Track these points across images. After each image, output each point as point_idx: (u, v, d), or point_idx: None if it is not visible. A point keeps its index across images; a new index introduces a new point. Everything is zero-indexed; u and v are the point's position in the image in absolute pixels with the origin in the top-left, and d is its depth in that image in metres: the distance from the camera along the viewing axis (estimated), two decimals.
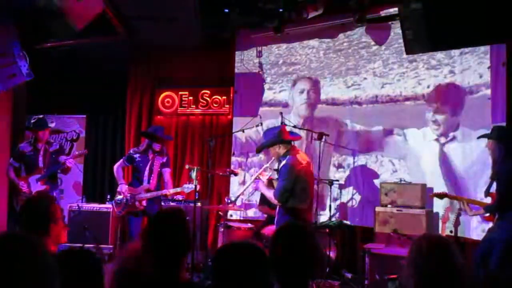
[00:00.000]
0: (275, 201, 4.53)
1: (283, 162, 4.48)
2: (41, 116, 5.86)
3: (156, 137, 5.60)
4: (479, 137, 4.81)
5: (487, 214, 4.56)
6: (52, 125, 6.31)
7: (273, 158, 4.72)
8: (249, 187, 5.19)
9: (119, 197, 5.59)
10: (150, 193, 5.53)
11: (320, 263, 2.21)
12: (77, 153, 5.76)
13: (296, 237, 2.10)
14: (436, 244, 2.07)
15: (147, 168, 5.59)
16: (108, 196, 7.20)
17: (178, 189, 5.66)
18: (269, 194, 4.59)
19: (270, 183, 4.91)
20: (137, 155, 5.65)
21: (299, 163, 4.49)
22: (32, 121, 5.79)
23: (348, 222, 6.21)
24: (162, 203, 6.23)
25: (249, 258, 1.85)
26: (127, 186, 5.61)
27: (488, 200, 4.57)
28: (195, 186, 5.38)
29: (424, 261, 2.02)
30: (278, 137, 4.56)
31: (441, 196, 4.87)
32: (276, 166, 5.04)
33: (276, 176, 5.04)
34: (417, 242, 2.11)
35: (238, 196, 5.32)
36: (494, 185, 4.50)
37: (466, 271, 2.04)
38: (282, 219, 4.49)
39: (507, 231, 4.14)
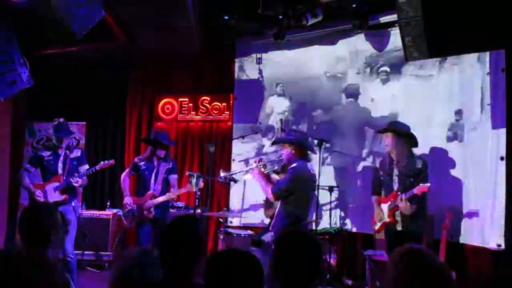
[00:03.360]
0: (269, 195, 4.52)
1: (294, 164, 4.47)
2: (61, 120, 5.36)
3: (159, 143, 5.46)
4: (378, 131, 4.86)
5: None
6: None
7: (282, 156, 4.70)
8: (244, 172, 5.22)
9: (126, 209, 5.47)
10: (156, 199, 5.41)
11: (323, 270, 2.22)
12: (102, 163, 5.41)
13: (299, 245, 2.09)
14: (407, 253, 2.06)
15: (153, 176, 5.48)
16: (108, 203, 7.19)
17: (183, 190, 5.54)
18: (266, 187, 4.56)
19: (267, 177, 4.90)
20: (142, 163, 5.53)
21: (309, 170, 4.53)
22: (55, 123, 5.31)
23: (348, 229, 6.20)
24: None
25: (240, 266, 1.85)
26: (131, 198, 5.50)
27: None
28: (195, 192, 5.35)
29: (400, 273, 2.01)
30: (300, 140, 4.58)
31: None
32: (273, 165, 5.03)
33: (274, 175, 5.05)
34: (391, 258, 2.11)
35: (231, 174, 5.34)
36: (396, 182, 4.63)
37: (446, 272, 2.03)
38: (280, 222, 4.48)
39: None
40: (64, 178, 5.20)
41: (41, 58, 6.28)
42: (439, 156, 5.59)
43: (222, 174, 5.20)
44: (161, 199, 5.41)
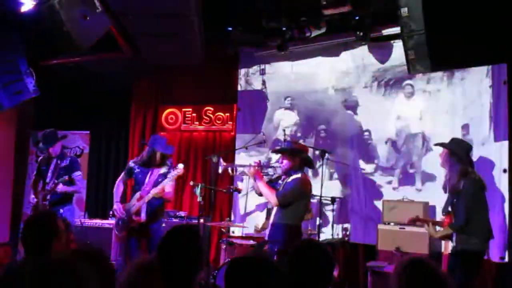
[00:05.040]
0: (272, 199, 4.41)
1: (296, 176, 4.43)
2: (51, 129, 5.53)
3: (154, 153, 5.08)
4: (435, 144, 4.79)
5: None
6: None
7: (283, 163, 4.59)
8: (245, 170, 4.77)
9: (117, 218, 5.13)
10: (142, 199, 4.94)
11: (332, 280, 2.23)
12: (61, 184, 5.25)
13: (316, 257, 2.11)
14: (410, 264, 2.09)
15: (146, 179, 5.08)
16: (111, 212, 7.20)
17: (166, 182, 4.96)
18: (267, 190, 4.43)
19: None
20: (136, 167, 5.18)
21: (310, 183, 4.53)
22: (41, 134, 5.49)
23: (350, 240, 6.20)
24: (165, 220, 6.09)
25: (262, 272, 1.84)
26: (121, 205, 5.12)
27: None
28: (199, 201, 5.29)
29: (403, 284, 2.04)
30: (303, 152, 4.57)
31: (414, 220, 4.76)
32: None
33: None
34: (395, 269, 2.14)
35: (228, 166, 4.92)
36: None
37: (448, 282, 2.05)
38: (280, 232, 4.38)
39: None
40: (47, 187, 5.27)
41: (47, 68, 6.34)
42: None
43: (224, 163, 4.86)
44: (146, 198, 4.94)
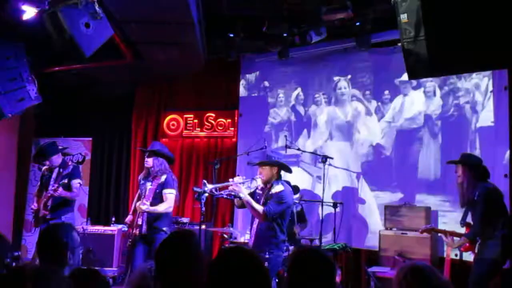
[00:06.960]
0: (259, 216, 4.36)
1: (280, 187, 4.42)
2: (47, 142, 5.61)
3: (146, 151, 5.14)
4: (448, 162, 4.91)
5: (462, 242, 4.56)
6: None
7: (262, 175, 4.56)
8: (225, 189, 4.65)
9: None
10: (139, 213, 4.92)
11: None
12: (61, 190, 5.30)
13: (317, 263, 2.11)
14: (410, 271, 2.09)
15: (146, 192, 5.03)
16: (113, 219, 7.21)
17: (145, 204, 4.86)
18: (255, 204, 4.35)
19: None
20: (141, 180, 5.21)
21: (291, 191, 4.61)
22: (38, 147, 5.58)
23: (352, 245, 6.19)
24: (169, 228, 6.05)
25: (245, 265, 1.83)
26: (131, 217, 5.21)
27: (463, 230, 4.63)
28: (201, 207, 5.26)
29: None
30: (281, 162, 4.60)
31: (428, 230, 4.89)
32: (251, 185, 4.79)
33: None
34: (395, 276, 2.14)
35: (210, 190, 4.57)
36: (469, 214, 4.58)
37: None
38: (267, 242, 4.37)
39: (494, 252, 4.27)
40: (48, 192, 5.34)
41: (49, 75, 6.36)
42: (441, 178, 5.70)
43: (209, 186, 4.56)
44: (139, 211, 4.90)
